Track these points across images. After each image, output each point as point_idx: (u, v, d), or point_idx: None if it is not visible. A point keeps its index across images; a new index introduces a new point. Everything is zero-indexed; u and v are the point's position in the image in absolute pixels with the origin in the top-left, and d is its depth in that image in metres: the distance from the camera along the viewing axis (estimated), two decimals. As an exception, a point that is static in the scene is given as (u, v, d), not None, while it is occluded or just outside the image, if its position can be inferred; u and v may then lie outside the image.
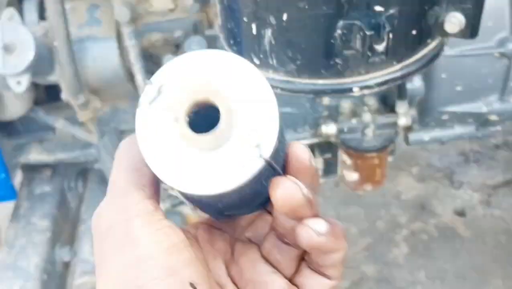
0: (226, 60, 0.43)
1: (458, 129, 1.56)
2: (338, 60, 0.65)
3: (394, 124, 1.40)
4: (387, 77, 0.66)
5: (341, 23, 0.61)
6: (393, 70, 0.66)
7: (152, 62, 1.34)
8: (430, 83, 1.38)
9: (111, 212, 0.42)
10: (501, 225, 2.53)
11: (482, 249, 2.43)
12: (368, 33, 0.59)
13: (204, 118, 0.43)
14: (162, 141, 0.42)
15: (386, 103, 1.47)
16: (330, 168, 1.61)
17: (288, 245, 0.47)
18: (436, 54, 0.69)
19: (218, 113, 0.42)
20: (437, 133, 1.57)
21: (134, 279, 0.39)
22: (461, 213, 2.60)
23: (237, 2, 0.68)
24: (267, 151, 0.41)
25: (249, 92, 0.43)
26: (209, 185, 0.41)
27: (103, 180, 1.69)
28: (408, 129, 1.54)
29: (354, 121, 1.40)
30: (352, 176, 1.46)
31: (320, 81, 0.67)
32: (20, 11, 1.25)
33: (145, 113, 0.42)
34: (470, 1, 0.65)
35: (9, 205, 1.72)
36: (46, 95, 1.50)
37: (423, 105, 1.44)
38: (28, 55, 1.10)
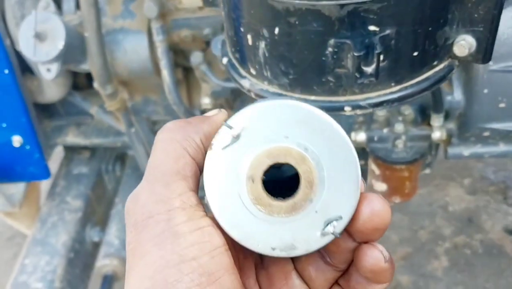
0: (311, 117, 0.41)
1: (503, 147, 1.47)
2: (330, 78, 0.62)
3: (428, 137, 1.33)
4: (382, 98, 0.62)
5: (332, 41, 0.58)
6: (390, 92, 0.63)
7: (182, 57, 1.35)
8: (471, 98, 1.31)
9: (151, 200, 0.40)
10: (553, 248, 2.39)
11: (530, 271, 2.30)
12: (356, 54, 0.56)
13: (275, 171, 0.42)
14: (231, 192, 0.41)
15: (424, 114, 1.41)
16: (362, 174, 1.57)
17: (328, 265, 0.46)
18: (443, 77, 0.65)
19: (294, 171, 0.41)
20: (479, 149, 1.49)
21: (175, 281, 0.37)
22: (511, 231, 2.48)
23: (235, 11, 0.67)
24: (341, 228, 0.41)
25: (333, 160, 0.40)
26: (273, 249, 0.41)
27: (138, 167, 1.72)
28: (446, 143, 1.48)
29: (385, 130, 1.35)
30: (381, 186, 1.41)
31: (312, 97, 0.64)
32: (59, 0, 1.29)
33: (218, 157, 0.41)
34: (482, 24, 0.61)
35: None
36: (88, 81, 1.54)
37: (463, 119, 1.37)
38: (58, 44, 1.14)
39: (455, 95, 1.33)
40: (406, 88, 0.63)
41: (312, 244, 0.41)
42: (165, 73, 1.19)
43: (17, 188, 1.49)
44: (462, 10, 0.61)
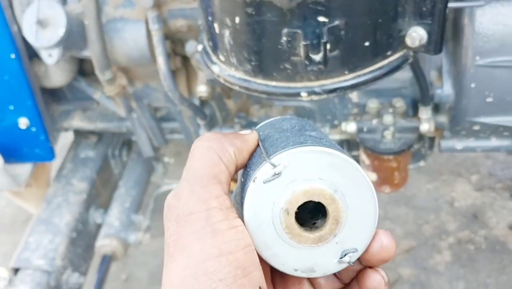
0: (342, 163, 0.48)
1: (495, 142, 1.49)
2: (287, 65, 0.66)
3: (416, 129, 1.36)
4: (336, 85, 0.66)
5: (285, 30, 0.63)
6: (344, 79, 0.67)
7: (181, 46, 1.40)
8: (459, 92, 1.33)
9: (192, 198, 0.45)
10: (557, 246, 2.38)
11: (532, 268, 2.30)
12: (304, 43, 0.60)
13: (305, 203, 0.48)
14: (266, 219, 0.47)
15: (416, 108, 1.43)
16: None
17: (336, 278, 0.54)
18: (396, 66, 0.68)
19: (321, 207, 0.48)
20: (471, 143, 1.51)
21: (214, 271, 0.42)
22: (515, 228, 2.47)
23: (204, 1, 0.72)
24: (355, 258, 0.49)
25: (357, 202, 0.48)
26: (296, 270, 0.49)
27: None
28: (439, 136, 1.50)
29: (375, 121, 1.38)
30: (371, 176, 1.44)
31: (273, 83, 0.69)
32: (64, -12, 1.34)
33: (259, 188, 0.47)
34: (431, 17, 0.64)
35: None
36: (93, 67, 1.60)
37: (453, 113, 1.40)
38: (59, 31, 1.20)
39: (444, 88, 1.36)
40: (359, 76, 0.67)
41: (329, 269, 0.50)
42: (160, 61, 1.25)
43: (23, 169, 1.56)
44: (411, 4, 0.64)
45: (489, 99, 1.31)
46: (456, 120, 1.40)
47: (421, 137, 1.46)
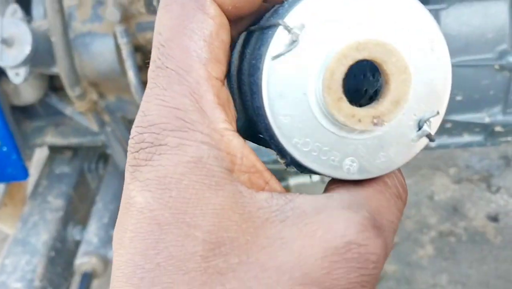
0: (413, 11, 0.34)
1: (467, 138, 1.52)
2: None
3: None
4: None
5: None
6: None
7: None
8: (429, 91, 1.35)
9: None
10: (534, 233, 2.43)
11: (511, 256, 2.34)
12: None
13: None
14: (298, 109, 0.34)
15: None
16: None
17: None
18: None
19: (373, 66, 0.35)
20: (445, 140, 1.53)
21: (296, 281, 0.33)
22: (494, 218, 2.52)
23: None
24: (437, 125, 0.36)
25: (423, 50, 0.34)
26: (359, 171, 0.35)
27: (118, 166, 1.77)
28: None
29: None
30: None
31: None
32: (29, 6, 1.33)
33: (276, 70, 0.33)
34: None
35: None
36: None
37: (424, 112, 1.41)
38: (25, 49, 1.19)
39: (415, 88, 1.37)
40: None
41: (403, 152, 0.36)
42: (131, 74, 1.24)
43: (-4, 189, 1.54)
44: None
45: (459, 98, 1.33)
46: (428, 118, 1.42)
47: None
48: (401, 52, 0.33)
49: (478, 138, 1.50)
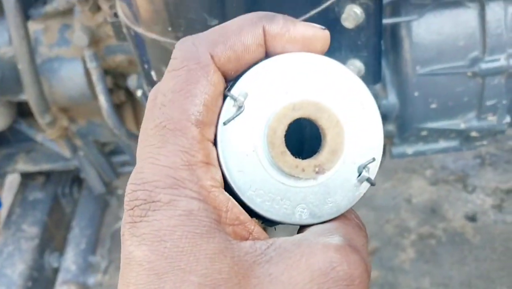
0: (310, 65, 0.39)
1: (443, 144, 1.53)
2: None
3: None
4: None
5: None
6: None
7: (123, 79, 1.36)
8: (404, 101, 1.35)
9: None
10: (512, 231, 2.46)
11: (491, 256, 2.37)
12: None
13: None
14: (249, 165, 0.38)
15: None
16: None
17: None
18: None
19: (311, 124, 0.39)
20: (421, 147, 1.54)
21: None
22: (472, 218, 2.54)
23: (138, 49, 0.69)
24: (376, 170, 0.40)
25: (354, 107, 0.39)
26: (310, 216, 0.39)
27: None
28: (389, 143, 1.52)
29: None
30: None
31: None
32: (-7, 33, 1.29)
33: (228, 132, 0.38)
34: (367, 50, 0.64)
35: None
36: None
37: (400, 121, 1.42)
38: (-9, 78, 1.15)
39: (389, 98, 1.38)
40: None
41: (347, 197, 0.39)
42: (102, 98, 1.21)
43: (-32, 221, 1.49)
44: (346, 39, 0.64)
45: (433, 106, 1.34)
46: (404, 127, 1.42)
47: (371, 147, 1.47)
48: (332, 109, 0.38)
49: (454, 143, 1.51)
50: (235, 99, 0.38)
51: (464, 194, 2.62)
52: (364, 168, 0.39)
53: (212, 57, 0.39)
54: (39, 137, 1.46)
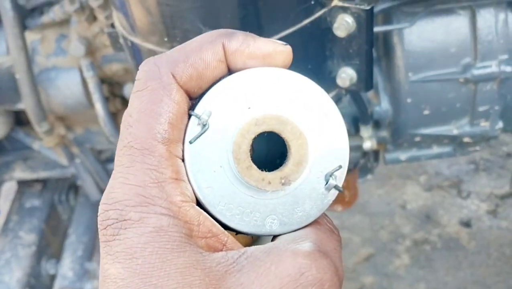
0: (270, 79, 0.40)
1: (436, 149, 1.54)
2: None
3: (359, 148, 1.39)
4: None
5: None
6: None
7: (119, 88, 1.38)
8: (397, 107, 1.37)
9: None
10: (507, 236, 2.47)
11: (486, 261, 2.38)
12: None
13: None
14: (217, 180, 0.39)
15: (357, 126, 1.46)
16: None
17: None
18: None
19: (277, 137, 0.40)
20: (415, 153, 1.55)
21: None
22: (466, 224, 2.55)
23: (135, 59, 0.71)
24: (343, 177, 0.41)
25: (316, 117, 0.40)
26: (281, 226, 0.40)
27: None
28: (383, 149, 1.54)
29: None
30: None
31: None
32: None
33: (195, 150, 0.39)
34: (358, 58, 0.66)
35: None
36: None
37: (393, 128, 1.43)
38: (-11, 88, 1.16)
39: (382, 105, 1.39)
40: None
41: (317, 204, 0.40)
42: (98, 107, 1.23)
43: (-34, 229, 1.50)
44: (338, 47, 0.66)
45: (426, 112, 1.35)
46: (397, 133, 1.44)
47: (365, 153, 1.49)
48: (295, 121, 0.39)
49: (447, 149, 1.53)
50: (199, 118, 0.39)
51: (459, 200, 2.63)
52: (331, 176, 0.40)
53: (173, 76, 0.40)
54: (36, 145, 1.47)
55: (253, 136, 0.39)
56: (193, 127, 0.40)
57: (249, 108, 0.39)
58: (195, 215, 0.39)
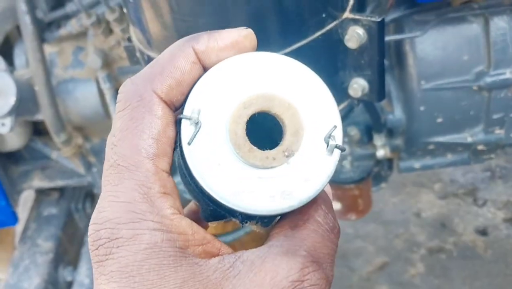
0: (256, 60, 0.41)
1: (451, 157, 1.54)
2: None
3: (372, 156, 1.40)
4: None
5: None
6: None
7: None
8: (410, 116, 1.38)
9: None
10: (525, 245, 2.44)
11: (503, 270, 2.35)
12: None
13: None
14: (224, 172, 0.40)
15: (370, 134, 1.47)
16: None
17: None
18: (343, 117, 0.71)
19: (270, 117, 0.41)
20: (429, 161, 1.55)
21: None
22: (483, 232, 2.53)
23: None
24: (341, 136, 0.41)
25: (299, 85, 0.41)
26: (293, 201, 0.40)
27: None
28: (397, 157, 1.54)
29: (332, 152, 1.40)
30: (335, 205, 1.47)
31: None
32: (11, 55, 1.34)
33: (194, 151, 0.40)
34: (370, 69, 0.67)
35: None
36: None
37: (407, 136, 1.44)
38: (10, 100, 1.19)
39: (395, 113, 1.40)
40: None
41: (324, 171, 0.40)
42: (115, 118, 1.25)
43: (-16, 236, 1.53)
44: (350, 58, 0.67)
45: (439, 120, 1.36)
46: (411, 142, 1.44)
47: (379, 161, 1.50)
48: (280, 94, 0.40)
49: (461, 157, 1.53)
50: (189, 118, 0.40)
51: (475, 208, 2.61)
52: (329, 137, 0.41)
53: (153, 90, 0.41)
54: (54, 155, 1.50)
55: (245, 119, 0.40)
56: (187, 129, 0.40)
57: (234, 95, 0.40)
58: (188, 226, 0.39)
